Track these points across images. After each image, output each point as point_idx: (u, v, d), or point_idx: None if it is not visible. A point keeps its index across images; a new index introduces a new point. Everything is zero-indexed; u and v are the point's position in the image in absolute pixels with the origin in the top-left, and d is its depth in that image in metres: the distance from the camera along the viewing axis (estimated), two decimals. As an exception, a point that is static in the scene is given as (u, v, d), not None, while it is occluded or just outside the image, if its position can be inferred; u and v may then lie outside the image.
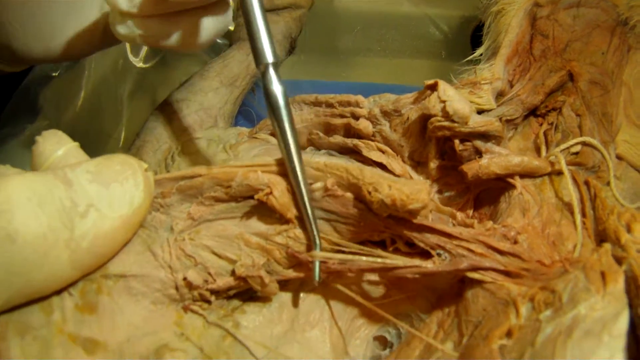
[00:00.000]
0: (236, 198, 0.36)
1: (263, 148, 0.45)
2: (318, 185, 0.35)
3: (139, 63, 0.68)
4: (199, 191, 0.36)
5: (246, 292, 0.39)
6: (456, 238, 0.35)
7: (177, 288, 0.36)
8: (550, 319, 0.30)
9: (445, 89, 0.41)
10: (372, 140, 0.45)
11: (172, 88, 0.55)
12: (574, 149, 0.42)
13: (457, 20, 0.61)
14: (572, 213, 0.39)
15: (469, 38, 0.56)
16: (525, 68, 0.46)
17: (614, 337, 0.27)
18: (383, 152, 0.45)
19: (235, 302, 0.39)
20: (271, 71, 0.35)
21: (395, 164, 0.44)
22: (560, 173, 0.41)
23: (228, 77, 0.54)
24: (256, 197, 0.35)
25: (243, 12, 0.35)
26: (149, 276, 0.35)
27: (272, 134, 0.48)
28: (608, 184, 0.42)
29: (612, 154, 0.42)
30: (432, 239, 0.35)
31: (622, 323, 0.28)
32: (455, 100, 0.40)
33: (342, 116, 0.46)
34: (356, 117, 0.45)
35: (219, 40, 0.64)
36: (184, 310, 0.37)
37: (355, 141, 0.45)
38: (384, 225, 0.35)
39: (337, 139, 0.46)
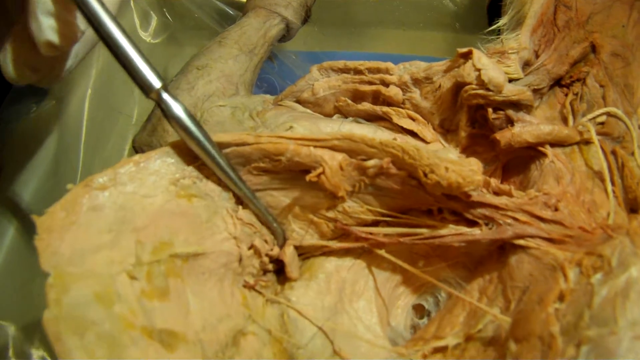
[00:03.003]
0: (285, 171, 0.36)
1: (291, 115, 0.45)
2: (372, 162, 0.35)
3: (147, 38, 0.66)
4: (246, 160, 0.36)
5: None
6: (502, 209, 0.36)
7: (240, 260, 0.35)
8: (602, 282, 0.31)
9: (480, 57, 0.41)
10: (402, 108, 0.45)
11: (182, 63, 0.54)
12: (599, 119, 0.43)
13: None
14: (602, 181, 0.40)
15: (486, 9, 0.56)
16: (550, 39, 0.46)
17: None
18: (413, 119, 0.45)
19: (282, 278, 0.39)
20: (165, 96, 0.33)
21: (426, 131, 0.44)
22: (588, 142, 0.42)
23: (247, 45, 0.53)
24: (308, 177, 0.35)
25: (105, 45, 0.32)
26: (216, 251, 0.34)
27: (298, 101, 0.48)
28: (632, 154, 0.43)
29: (635, 125, 0.43)
30: (480, 210, 0.36)
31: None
32: (490, 68, 0.41)
33: (371, 83, 0.45)
34: (386, 84, 0.45)
35: (230, 11, 0.63)
36: (247, 288, 0.37)
37: (385, 108, 0.45)
38: (435, 200, 0.36)
39: (366, 106, 0.46)
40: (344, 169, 0.35)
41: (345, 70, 0.46)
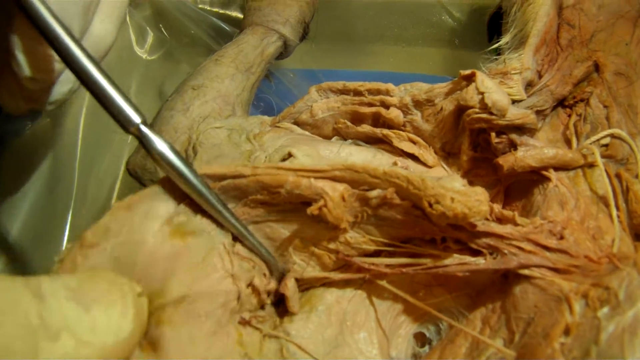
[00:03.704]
0: (285, 203, 0.35)
1: (289, 138, 0.44)
2: (375, 193, 0.34)
3: (144, 55, 0.65)
4: (243, 193, 0.35)
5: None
6: (507, 238, 0.35)
7: (238, 298, 0.34)
8: (610, 317, 0.30)
9: (484, 80, 0.40)
10: (403, 131, 0.44)
11: (178, 80, 0.53)
12: (603, 141, 0.42)
13: (470, 7, 0.61)
14: (607, 206, 0.40)
15: (486, 26, 0.56)
16: (553, 58, 0.46)
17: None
18: (414, 142, 0.44)
19: (281, 310, 0.38)
20: (146, 130, 0.32)
21: (428, 155, 0.44)
22: (592, 166, 0.41)
23: (243, 63, 0.52)
24: (309, 211, 0.34)
25: (79, 80, 0.32)
26: (212, 291, 0.33)
27: (296, 123, 0.47)
28: (637, 176, 0.42)
29: (639, 146, 0.42)
30: (484, 240, 0.35)
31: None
32: (494, 91, 0.40)
33: (370, 105, 0.45)
34: (386, 106, 0.44)
35: (227, 28, 0.62)
36: (242, 325, 0.36)
37: (385, 131, 0.44)
38: (439, 230, 0.35)
39: (366, 128, 0.45)
40: (346, 200, 0.34)
41: (344, 92, 0.45)
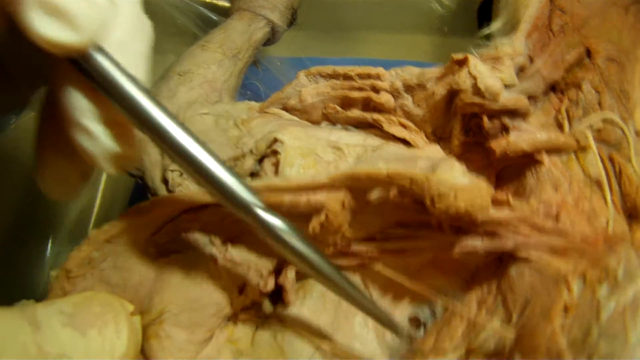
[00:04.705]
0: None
1: (277, 123, 0.43)
2: (375, 194, 0.33)
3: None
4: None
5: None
6: (504, 222, 0.35)
7: (231, 304, 0.34)
8: (609, 296, 0.30)
9: (476, 64, 0.40)
10: (394, 115, 0.43)
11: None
12: (595, 126, 0.42)
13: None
14: (600, 189, 0.39)
15: (476, 13, 0.55)
16: (545, 44, 0.45)
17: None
18: (405, 127, 0.43)
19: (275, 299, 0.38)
20: (267, 216, 0.28)
21: (419, 139, 0.43)
22: (585, 149, 0.41)
23: (231, 49, 0.51)
24: (311, 228, 0.33)
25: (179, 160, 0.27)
26: (199, 302, 0.33)
27: (284, 108, 0.46)
28: (628, 160, 0.42)
29: (632, 131, 0.42)
30: (482, 225, 0.35)
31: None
32: (487, 76, 0.40)
33: (361, 89, 0.44)
34: (376, 91, 0.43)
35: (214, 17, 0.61)
36: (234, 322, 0.35)
37: (376, 116, 0.44)
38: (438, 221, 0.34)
39: (356, 113, 0.44)
40: (345, 206, 0.33)
41: (334, 76, 0.45)
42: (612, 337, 0.28)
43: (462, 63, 0.40)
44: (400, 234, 0.36)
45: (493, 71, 0.43)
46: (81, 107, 0.26)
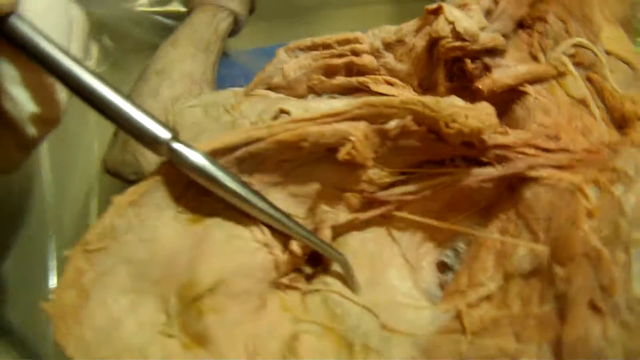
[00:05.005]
0: (307, 156, 0.34)
1: (267, 101, 0.44)
2: (394, 124, 0.34)
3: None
4: (263, 158, 0.34)
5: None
6: (511, 147, 0.36)
7: (277, 267, 0.34)
8: (626, 191, 0.32)
9: (451, 10, 0.41)
10: (378, 75, 0.44)
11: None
12: (568, 52, 0.44)
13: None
14: (587, 106, 0.41)
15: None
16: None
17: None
18: (392, 84, 0.44)
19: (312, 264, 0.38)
20: (178, 145, 0.30)
21: (407, 93, 0.44)
22: (564, 75, 0.43)
23: (201, 42, 0.51)
24: (340, 157, 0.34)
25: (94, 106, 0.29)
26: (247, 267, 0.32)
27: (269, 88, 0.46)
28: (605, 78, 0.44)
29: (602, 50, 0.45)
30: (492, 152, 0.36)
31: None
32: (463, 19, 0.41)
33: (342, 56, 0.45)
34: (357, 54, 0.44)
35: (170, 23, 0.60)
36: (282, 289, 0.35)
37: (361, 78, 0.44)
38: (451, 150, 0.35)
39: (340, 79, 0.45)
40: (368, 137, 0.34)
41: (313, 48, 0.45)
42: (641, 224, 0.30)
43: (437, 12, 0.42)
44: (419, 175, 0.37)
45: (469, 15, 0.44)
46: (5, 73, 0.29)
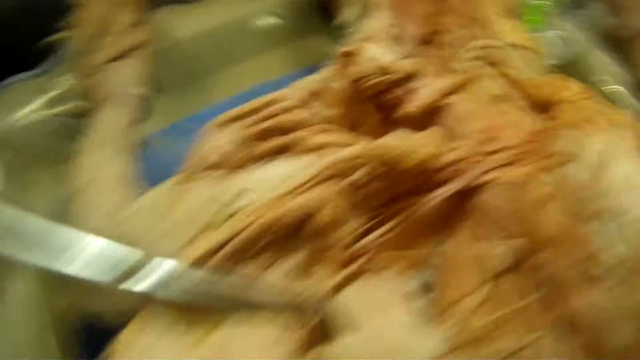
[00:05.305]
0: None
1: (211, 185, 0.42)
2: (358, 174, 0.34)
3: None
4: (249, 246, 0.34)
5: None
6: (463, 160, 0.38)
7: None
8: (579, 167, 0.35)
9: (367, 47, 0.42)
10: (313, 125, 0.44)
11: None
12: (479, 54, 0.46)
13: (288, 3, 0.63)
14: (510, 101, 0.44)
15: (315, 10, 0.58)
16: (403, 5, 0.49)
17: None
18: (328, 131, 0.44)
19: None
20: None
21: (345, 137, 0.44)
22: (480, 77, 0.45)
23: (114, 140, 0.49)
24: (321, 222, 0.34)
25: None
26: None
27: (208, 168, 0.45)
28: (517, 69, 0.47)
29: (506, 45, 0.47)
30: (446, 172, 0.38)
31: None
32: (380, 53, 0.43)
33: (272, 117, 0.44)
34: (287, 111, 0.44)
35: (72, 121, 0.56)
36: None
37: (296, 134, 0.44)
38: (414, 180, 0.37)
39: (275, 141, 0.44)
40: (341, 194, 0.34)
41: (242, 116, 0.44)
42: (604, 192, 0.33)
43: (352, 53, 0.43)
44: (390, 214, 0.38)
45: (379, 48, 0.46)
46: None
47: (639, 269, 0.32)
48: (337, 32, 0.51)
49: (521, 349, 0.34)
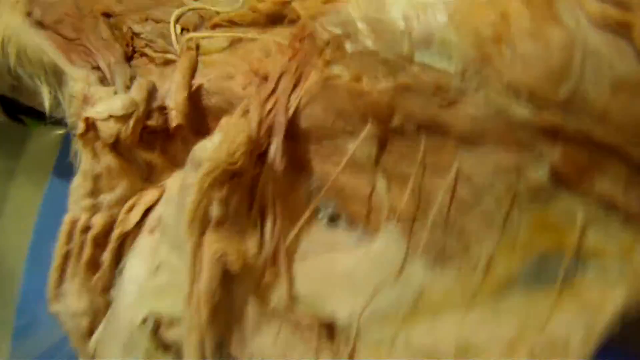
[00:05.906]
0: None
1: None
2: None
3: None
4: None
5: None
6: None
7: None
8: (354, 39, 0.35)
9: (93, 112, 0.40)
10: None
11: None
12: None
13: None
14: (241, 42, 0.43)
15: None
16: (81, 45, 0.46)
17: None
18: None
19: None
20: None
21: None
22: (190, 50, 0.44)
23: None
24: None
25: None
26: None
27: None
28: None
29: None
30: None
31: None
32: (108, 109, 0.40)
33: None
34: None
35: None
36: None
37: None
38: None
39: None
40: None
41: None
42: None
43: (88, 126, 0.40)
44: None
45: (99, 103, 0.43)
46: None
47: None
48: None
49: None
